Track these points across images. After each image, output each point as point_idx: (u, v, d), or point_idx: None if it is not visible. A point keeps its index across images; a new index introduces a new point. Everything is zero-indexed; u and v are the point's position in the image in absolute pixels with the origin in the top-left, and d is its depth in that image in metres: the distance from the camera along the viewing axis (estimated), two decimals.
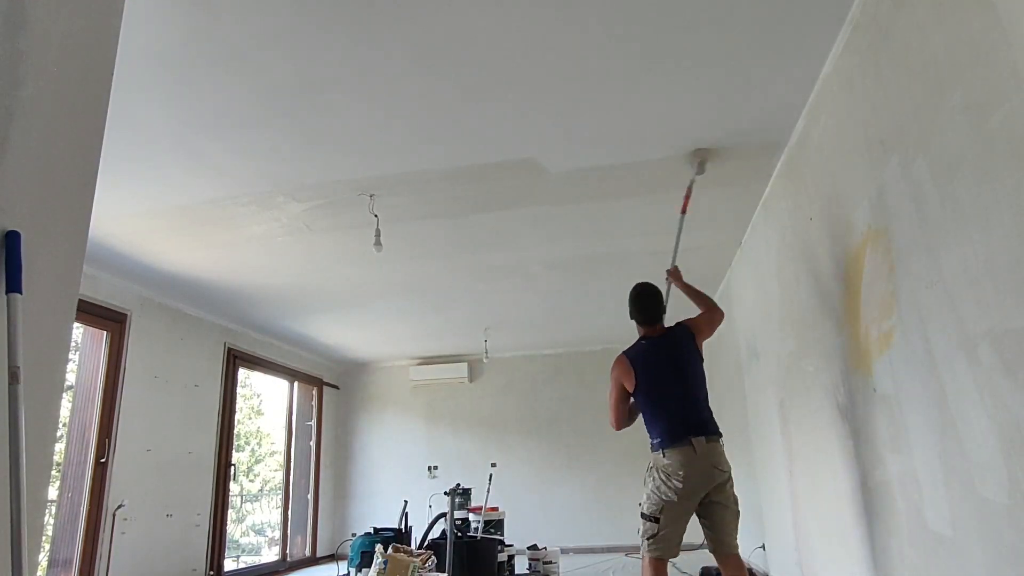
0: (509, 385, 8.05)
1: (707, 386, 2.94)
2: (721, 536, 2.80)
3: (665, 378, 2.88)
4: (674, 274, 3.29)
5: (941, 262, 1.81)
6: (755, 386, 4.55)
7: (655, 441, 2.85)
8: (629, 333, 7.98)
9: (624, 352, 3.04)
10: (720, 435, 2.82)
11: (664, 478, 2.74)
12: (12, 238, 1.17)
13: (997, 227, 1.54)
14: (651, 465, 2.84)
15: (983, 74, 1.55)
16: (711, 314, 3.10)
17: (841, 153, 2.52)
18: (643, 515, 2.82)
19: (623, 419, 3.04)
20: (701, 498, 2.74)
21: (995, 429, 1.60)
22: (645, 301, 3.05)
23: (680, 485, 2.69)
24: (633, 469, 7.47)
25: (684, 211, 3.39)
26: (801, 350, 3.31)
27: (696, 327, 3.02)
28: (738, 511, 2.85)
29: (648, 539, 2.78)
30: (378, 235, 3.73)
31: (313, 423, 7.71)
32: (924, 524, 2.04)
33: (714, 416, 2.88)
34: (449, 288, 5.37)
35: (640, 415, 3.00)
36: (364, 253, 4.28)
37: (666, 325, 3.07)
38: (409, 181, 3.44)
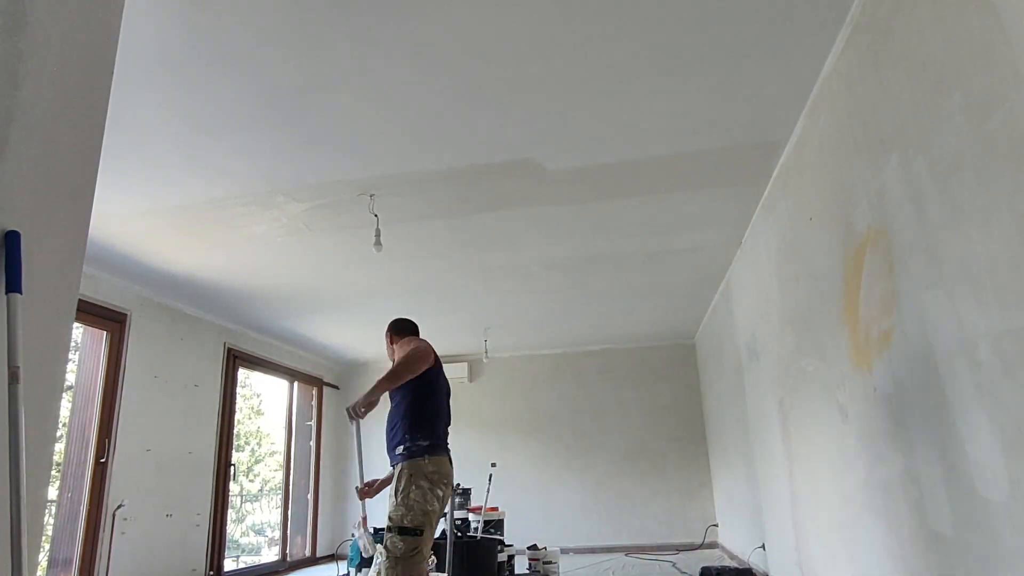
0: (509, 385, 8.05)
1: None
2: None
3: (441, 385, 2.97)
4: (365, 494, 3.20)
5: (941, 262, 1.81)
6: (755, 386, 4.55)
7: (421, 444, 2.73)
8: (629, 333, 7.95)
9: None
10: None
11: (430, 487, 2.66)
12: (12, 238, 1.17)
13: (997, 227, 1.54)
14: (409, 474, 2.68)
15: (983, 74, 1.55)
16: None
17: (841, 153, 2.52)
18: (403, 529, 2.59)
19: (407, 378, 2.79)
20: None
21: (995, 429, 1.60)
22: (409, 321, 3.30)
23: (442, 494, 2.70)
24: (633, 469, 7.49)
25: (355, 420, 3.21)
26: (801, 350, 3.31)
27: None
28: None
29: (412, 555, 2.57)
30: (378, 235, 3.73)
31: (313, 423, 7.71)
32: (924, 524, 2.04)
33: None
34: (449, 288, 5.37)
35: (390, 402, 2.93)
36: (364, 253, 4.29)
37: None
38: (409, 181, 3.44)
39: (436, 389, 2.91)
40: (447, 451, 2.86)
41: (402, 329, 3.29)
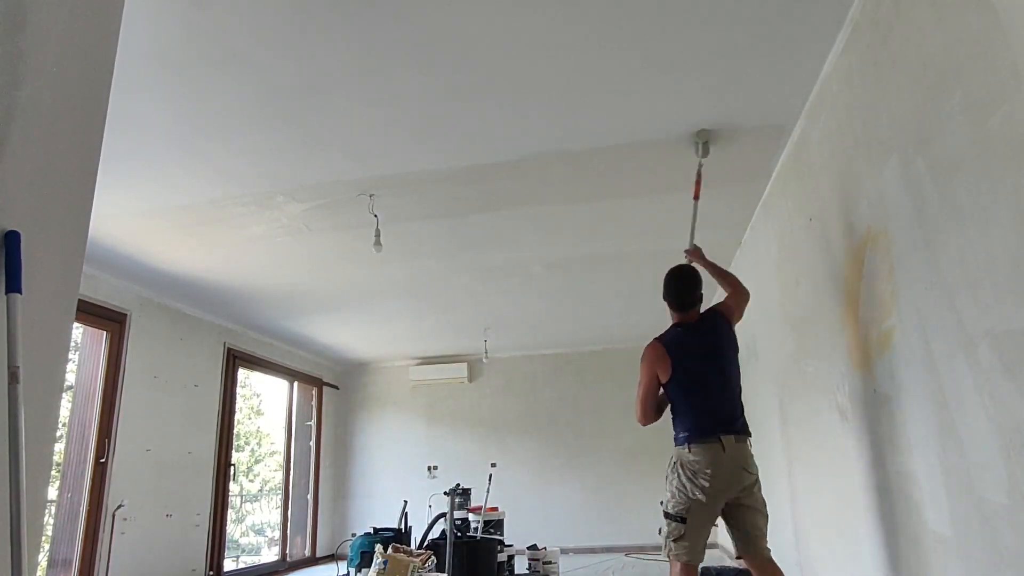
0: (509, 385, 8.05)
1: (741, 380, 2.75)
2: (752, 540, 2.59)
3: (701, 367, 2.68)
4: (694, 253, 3.07)
5: (940, 262, 1.81)
6: (755, 386, 4.55)
7: (681, 435, 2.62)
8: (629, 333, 7.95)
9: (657, 338, 2.78)
10: (750, 435, 2.65)
11: (690, 475, 2.53)
12: (12, 238, 1.17)
13: (996, 227, 1.54)
14: (674, 461, 2.61)
15: (982, 74, 1.55)
16: (738, 296, 2.90)
17: (841, 153, 2.52)
18: (667, 514, 2.60)
19: (652, 411, 2.74)
20: (728, 500, 2.56)
21: (994, 429, 1.60)
22: (680, 284, 2.82)
23: (707, 484, 2.50)
24: (633, 469, 7.49)
25: (696, 197, 3.19)
26: (801, 350, 3.31)
27: (728, 311, 2.83)
28: (767, 514, 2.64)
29: (675, 541, 2.56)
30: (378, 235, 3.73)
31: (313, 423, 7.71)
32: (924, 524, 2.04)
33: (745, 414, 2.70)
34: (449, 288, 5.37)
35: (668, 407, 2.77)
36: (364, 253, 4.29)
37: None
38: (409, 181, 3.44)
39: (682, 385, 2.69)
40: (719, 436, 2.55)
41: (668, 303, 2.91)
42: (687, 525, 2.54)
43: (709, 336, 2.75)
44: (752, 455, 2.64)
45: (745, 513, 2.58)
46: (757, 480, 2.60)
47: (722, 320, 2.80)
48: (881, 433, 2.35)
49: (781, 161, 3.33)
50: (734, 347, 2.80)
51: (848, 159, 2.45)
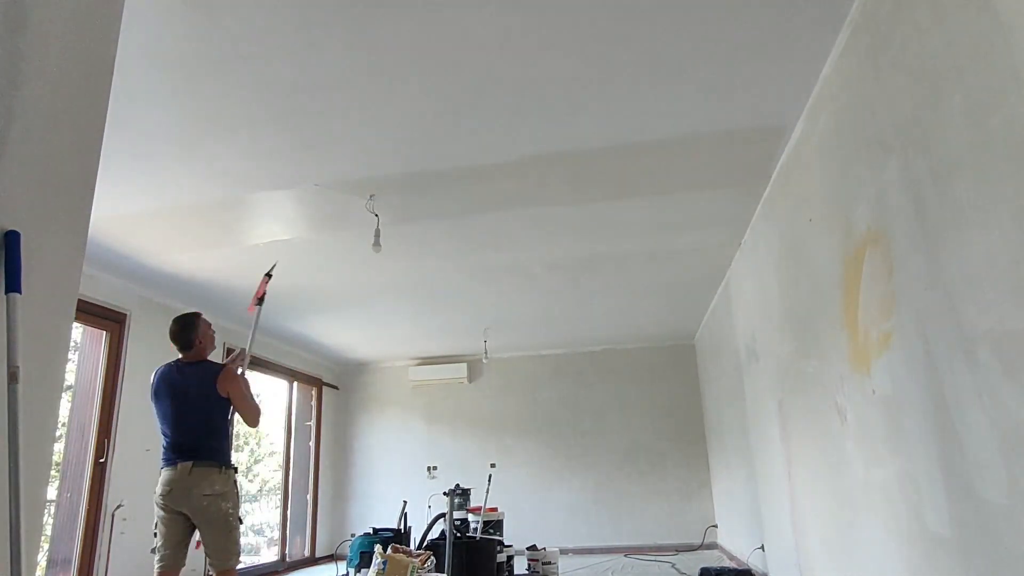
0: (509, 385, 8.05)
1: (216, 420, 3.14)
2: (208, 552, 3.05)
3: (168, 403, 3.16)
4: (239, 358, 3.37)
5: (940, 263, 1.81)
6: (754, 387, 4.56)
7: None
8: (629, 333, 7.95)
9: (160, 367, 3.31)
10: (215, 463, 3.06)
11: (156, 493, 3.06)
12: (12, 238, 1.17)
13: (996, 228, 1.54)
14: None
15: (982, 75, 1.55)
16: (244, 413, 3.21)
17: (841, 154, 2.53)
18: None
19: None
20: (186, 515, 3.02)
21: (994, 430, 1.60)
22: (175, 327, 3.33)
23: (161, 503, 3.02)
24: (632, 469, 7.50)
25: (261, 301, 3.56)
26: (800, 351, 3.31)
27: (222, 380, 3.18)
28: (221, 533, 3.02)
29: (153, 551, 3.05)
30: (377, 235, 3.72)
31: (312, 423, 7.71)
32: (923, 525, 2.04)
33: (219, 446, 3.12)
34: (449, 288, 5.37)
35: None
36: (364, 253, 4.28)
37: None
38: (410, 181, 3.44)
39: (157, 415, 3.19)
40: (171, 461, 3.06)
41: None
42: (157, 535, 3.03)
43: (189, 376, 3.21)
44: (212, 480, 3.02)
45: (200, 528, 3.04)
46: (214, 501, 3.00)
47: (211, 376, 3.19)
48: (880, 434, 2.35)
49: (781, 162, 3.33)
50: (208, 393, 3.16)
51: (848, 160, 2.45)
